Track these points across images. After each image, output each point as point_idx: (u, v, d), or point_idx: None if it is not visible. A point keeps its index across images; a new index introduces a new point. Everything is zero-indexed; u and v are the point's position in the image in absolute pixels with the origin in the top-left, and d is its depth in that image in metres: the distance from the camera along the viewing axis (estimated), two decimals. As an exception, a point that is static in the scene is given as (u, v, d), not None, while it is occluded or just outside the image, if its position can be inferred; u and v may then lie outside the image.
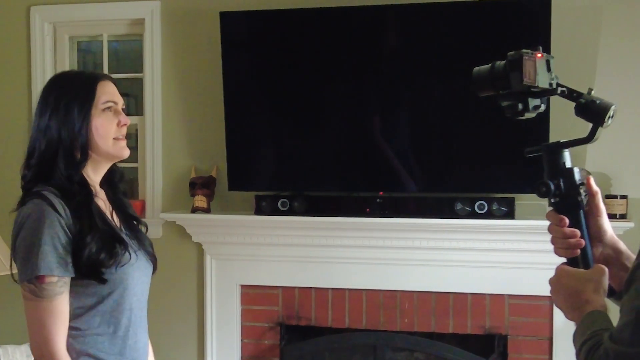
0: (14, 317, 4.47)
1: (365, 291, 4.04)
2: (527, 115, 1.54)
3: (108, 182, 2.19)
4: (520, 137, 3.68)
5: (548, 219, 1.57)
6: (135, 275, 2.07)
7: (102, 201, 2.12)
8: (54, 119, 2.03)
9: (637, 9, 3.79)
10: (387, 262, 3.95)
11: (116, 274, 2.00)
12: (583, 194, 1.55)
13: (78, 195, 2.00)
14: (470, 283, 3.87)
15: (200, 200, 4.09)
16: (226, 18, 3.99)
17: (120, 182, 2.24)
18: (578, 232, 1.53)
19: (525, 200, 3.79)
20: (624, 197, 3.67)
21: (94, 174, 2.12)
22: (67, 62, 4.56)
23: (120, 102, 2.13)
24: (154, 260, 2.20)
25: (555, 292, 1.54)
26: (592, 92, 1.56)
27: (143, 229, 2.25)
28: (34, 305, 1.93)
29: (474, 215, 3.74)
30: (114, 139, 2.09)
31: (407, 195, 3.93)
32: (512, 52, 1.51)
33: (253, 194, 4.06)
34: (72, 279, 1.96)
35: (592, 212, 1.56)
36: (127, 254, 2.03)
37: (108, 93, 2.10)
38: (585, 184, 1.56)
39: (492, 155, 3.79)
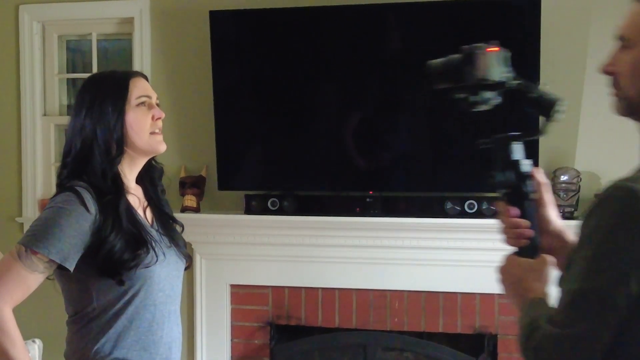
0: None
1: (356, 291, 4.03)
2: (481, 108, 1.58)
3: (148, 178, 2.21)
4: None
5: (498, 210, 1.62)
6: (162, 272, 2.07)
7: (136, 198, 2.13)
8: (89, 118, 2.05)
9: (626, 9, 3.79)
10: (377, 261, 3.94)
11: (139, 272, 2.01)
12: (531, 185, 1.59)
13: (109, 194, 2.02)
14: (460, 282, 3.87)
15: (190, 200, 4.08)
16: (216, 17, 3.98)
17: (160, 180, 2.26)
18: (525, 222, 1.57)
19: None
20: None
21: (130, 170, 2.13)
22: (56, 61, 4.55)
23: (154, 96, 2.15)
24: (187, 257, 2.22)
25: (502, 280, 1.59)
26: (545, 86, 1.61)
27: (179, 229, 2.27)
28: (10, 261, 1.94)
29: (463, 214, 3.74)
30: (150, 133, 2.10)
31: (397, 195, 3.93)
32: (466, 46, 1.55)
33: (243, 193, 4.05)
34: (94, 276, 1.98)
35: (540, 204, 1.60)
36: (151, 254, 2.03)
37: (141, 88, 2.12)
38: (533, 176, 1.60)
39: (482, 154, 3.79)
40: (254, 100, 4.11)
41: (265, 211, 3.96)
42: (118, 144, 2.05)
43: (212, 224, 4.10)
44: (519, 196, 1.59)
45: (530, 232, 1.57)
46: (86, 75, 4.52)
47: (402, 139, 3.96)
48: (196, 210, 4.09)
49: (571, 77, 3.73)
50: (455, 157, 3.87)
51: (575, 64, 3.77)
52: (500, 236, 1.62)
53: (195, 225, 4.12)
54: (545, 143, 3.61)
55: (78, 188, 1.99)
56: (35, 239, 1.93)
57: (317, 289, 4.08)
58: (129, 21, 4.35)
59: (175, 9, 4.26)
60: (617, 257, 1.30)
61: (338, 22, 3.94)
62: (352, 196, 3.94)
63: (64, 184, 2.05)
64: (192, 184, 4.12)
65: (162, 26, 4.29)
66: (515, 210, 1.58)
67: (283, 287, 4.11)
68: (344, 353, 4.12)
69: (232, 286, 4.17)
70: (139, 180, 2.19)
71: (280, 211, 3.95)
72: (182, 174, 4.17)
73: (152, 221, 2.17)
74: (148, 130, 2.10)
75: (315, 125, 4.06)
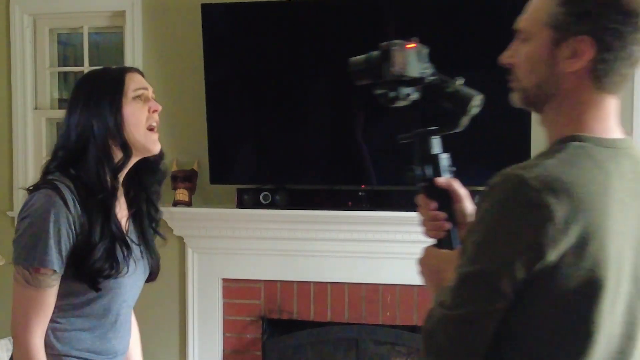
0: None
1: (348, 284, 4.03)
2: (399, 104, 1.63)
3: (149, 181, 2.17)
4: (503, 131, 3.69)
5: (417, 203, 1.67)
6: (129, 283, 2.07)
7: (119, 203, 2.08)
8: (85, 113, 2.01)
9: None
10: (369, 255, 3.94)
11: (110, 282, 2.00)
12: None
13: (98, 192, 1.98)
14: (452, 276, 3.87)
15: (182, 194, 4.07)
16: (208, 10, 3.97)
17: (160, 185, 2.22)
18: (442, 214, 1.62)
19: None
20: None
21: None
22: (47, 55, 4.53)
23: (150, 89, 2.12)
24: (155, 269, 2.20)
25: (421, 271, 1.64)
26: (461, 81, 1.63)
27: (160, 240, 2.25)
28: (22, 290, 1.94)
29: (455, 208, 3.74)
30: (147, 129, 2.06)
31: (388, 189, 3.93)
32: (383, 43, 1.58)
33: (235, 187, 4.04)
34: (66, 278, 1.96)
35: (456, 197, 1.65)
36: (125, 267, 2.02)
37: (137, 81, 2.09)
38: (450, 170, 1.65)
39: (474, 148, 3.79)
40: (246, 94, 4.10)
41: (257, 205, 3.95)
42: (124, 146, 2.01)
43: (204, 218, 4.10)
44: (437, 190, 1.63)
45: (448, 225, 1.62)
46: (78, 69, 4.54)
47: (394, 132, 3.94)
48: (188, 204, 4.08)
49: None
50: (448, 151, 3.86)
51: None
52: (420, 229, 1.66)
53: (187, 219, 4.12)
54: (537, 139, 3.61)
55: (59, 184, 1.95)
56: (32, 256, 1.91)
57: (309, 283, 4.08)
58: (121, 14, 4.33)
59: (167, 2, 4.24)
60: (503, 243, 1.33)
61: (330, 15, 3.93)
62: (344, 190, 3.94)
63: (48, 173, 2.02)
64: (184, 177, 4.11)
65: (153, 19, 4.27)
66: (433, 204, 1.62)
67: (275, 281, 4.11)
68: (336, 347, 4.12)
69: (224, 280, 4.16)
70: (131, 183, 2.14)
71: (273, 205, 3.94)
72: (174, 168, 4.16)
73: (127, 229, 2.12)
74: (145, 124, 2.06)
75: (308, 119, 4.05)
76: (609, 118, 1.47)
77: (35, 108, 4.51)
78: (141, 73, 2.15)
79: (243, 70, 4.08)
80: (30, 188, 2.02)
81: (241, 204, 3.99)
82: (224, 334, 4.19)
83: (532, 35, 1.47)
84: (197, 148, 4.14)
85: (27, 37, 4.46)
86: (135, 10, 4.26)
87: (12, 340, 2.01)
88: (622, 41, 1.40)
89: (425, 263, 1.63)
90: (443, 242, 1.63)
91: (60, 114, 4.48)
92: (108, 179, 2.01)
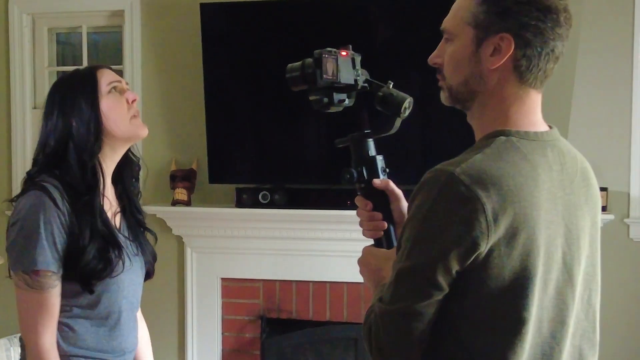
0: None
1: (346, 284, 4.04)
2: (333, 109, 1.67)
3: (126, 175, 2.16)
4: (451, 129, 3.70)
5: (356, 204, 1.72)
6: (127, 280, 2.06)
7: (108, 201, 2.08)
8: (62, 115, 2.00)
9: (615, 9, 3.80)
10: (368, 254, 3.94)
11: (107, 281, 1.99)
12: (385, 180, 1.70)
13: (83, 193, 1.97)
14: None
15: (181, 193, 4.07)
16: (207, 10, 3.97)
17: (137, 180, 2.21)
18: (379, 215, 1.67)
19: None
20: (603, 189, 3.68)
21: (111, 159, 2.08)
22: (46, 54, 4.53)
23: (124, 81, 2.11)
24: (150, 267, 2.20)
25: (361, 270, 1.69)
26: (391, 85, 1.72)
27: (152, 238, 2.24)
28: (25, 295, 1.93)
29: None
30: (129, 118, 2.05)
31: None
32: (317, 50, 1.64)
33: (234, 186, 4.04)
34: (65, 279, 1.96)
35: (392, 197, 1.70)
36: (120, 263, 2.01)
37: (108, 75, 2.07)
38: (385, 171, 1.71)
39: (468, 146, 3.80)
40: (245, 93, 4.10)
41: (256, 204, 3.96)
42: (96, 132, 2.00)
43: (203, 217, 4.10)
44: (374, 190, 1.67)
45: (385, 224, 1.67)
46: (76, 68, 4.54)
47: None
48: (187, 203, 4.09)
49: (562, 75, 3.72)
50: (445, 149, 3.86)
51: (566, 62, 3.75)
52: (360, 228, 1.70)
53: (186, 219, 4.12)
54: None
55: (47, 185, 1.94)
56: (29, 260, 1.90)
57: (308, 282, 4.08)
58: (119, 14, 4.33)
59: (166, 1, 4.24)
60: (436, 237, 1.36)
61: (329, 14, 3.92)
62: (343, 189, 3.93)
63: (33, 178, 2.00)
64: (183, 177, 4.12)
65: (152, 19, 4.27)
66: (370, 204, 1.67)
67: (274, 281, 4.12)
68: (335, 346, 4.12)
69: (223, 279, 4.17)
70: (115, 178, 2.13)
71: (271, 204, 3.94)
72: (173, 167, 4.17)
73: (120, 227, 2.12)
74: (127, 116, 2.05)
75: (306, 119, 4.05)
76: (534, 112, 1.51)
77: (34, 108, 4.51)
78: (111, 69, 2.14)
79: (242, 69, 4.08)
80: (16, 197, 2.01)
81: (240, 204, 3.99)
82: (222, 333, 4.19)
83: (456, 34, 1.51)
84: (196, 147, 4.15)
85: (25, 37, 4.46)
86: (134, 9, 4.27)
87: (22, 342, 2.01)
88: (543, 37, 1.44)
89: (365, 262, 1.67)
90: (381, 241, 1.67)
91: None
92: (91, 178, 2.00)
